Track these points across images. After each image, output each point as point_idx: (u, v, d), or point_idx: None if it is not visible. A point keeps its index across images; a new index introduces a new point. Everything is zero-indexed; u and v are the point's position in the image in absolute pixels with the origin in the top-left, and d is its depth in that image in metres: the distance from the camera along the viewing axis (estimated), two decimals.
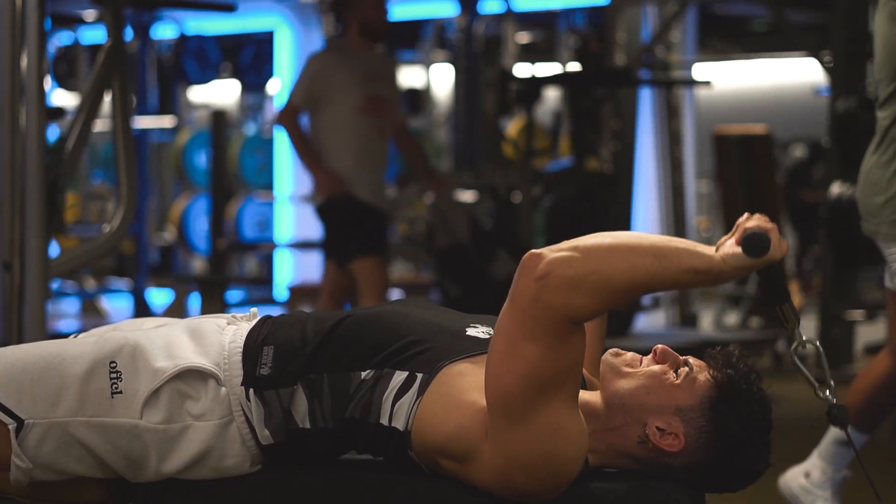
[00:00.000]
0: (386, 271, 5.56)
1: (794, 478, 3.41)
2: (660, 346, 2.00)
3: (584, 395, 1.99)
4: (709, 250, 1.87)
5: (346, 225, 5.43)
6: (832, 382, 1.97)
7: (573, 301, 1.81)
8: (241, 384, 2.01)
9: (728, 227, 8.12)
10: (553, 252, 1.83)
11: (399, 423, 1.96)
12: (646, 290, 1.85)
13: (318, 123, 5.55)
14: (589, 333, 1.94)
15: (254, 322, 2.11)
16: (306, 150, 5.54)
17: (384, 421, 1.98)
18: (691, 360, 1.99)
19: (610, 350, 2.02)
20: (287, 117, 5.60)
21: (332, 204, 5.47)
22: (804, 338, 1.97)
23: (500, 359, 1.86)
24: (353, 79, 5.41)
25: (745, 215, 1.91)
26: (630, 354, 2.01)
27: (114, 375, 2.00)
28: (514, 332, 1.85)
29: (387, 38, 6.11)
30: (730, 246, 1.87)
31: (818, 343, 1.98)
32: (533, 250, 1.86)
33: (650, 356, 2.00)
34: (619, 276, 1.82)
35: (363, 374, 2.00)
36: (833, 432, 3.35)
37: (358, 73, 5.42)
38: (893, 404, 3.44)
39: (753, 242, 1.85)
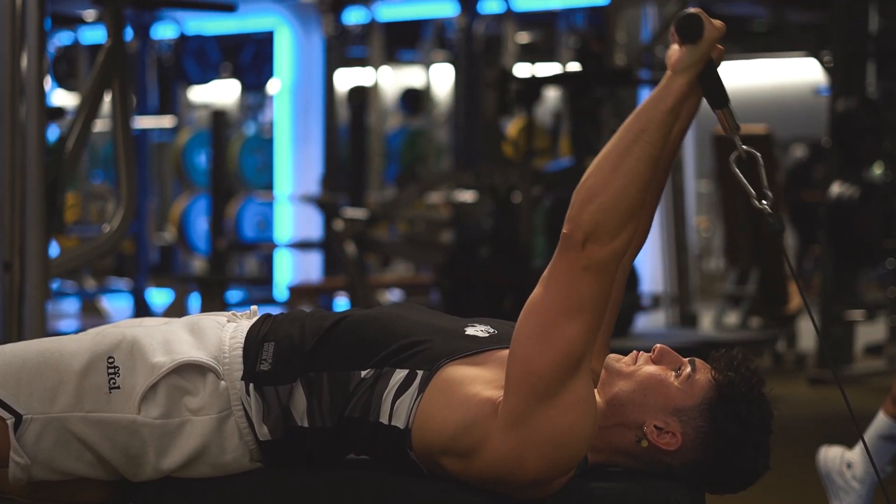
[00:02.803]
0: None
1: (834, 460, 3.40)
2: (659, 345, 2.01)
3: None
4: (667, 80, 1.89)
5: None
6: (770, 193, 1.97)
7: (616, 243, 1.85)
8: (242, 378, 2.01)
9: (728, 226, 8.12)
10: (576, 219, 1.85)
11: (399, 422, 1.96)
12: (655, 170, 1.88)
13: None
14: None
15: (254, 319, 2.12)
16: None
17: (384, 420, 1.97)
18: (696, 361, 1.99)
19: (611, 356, 2.02)
20: None
21: None
22: (744, 146, 1.96)
23: (534, 337, 1.87)
24: None
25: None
26: (629, 355, 2.02)
27: (111, 371, 2.00)
28: (555, 308, 1.86)
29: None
30: (671, 53, 1.90)
31: (759, 155, 1.97)
32: (563, 231, 1.87)
33: (648, 354, 2.01)
34: (632, 186, 1.84)
35: (363, 372, 2.00)
36: (878, 425, 3.34)
37: None
38: None
39: (684, 25, 1.86)
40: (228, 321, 2.11)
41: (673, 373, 1.97)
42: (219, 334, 2.06)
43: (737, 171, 1.96)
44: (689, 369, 1.98)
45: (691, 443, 1.95)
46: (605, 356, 2.05)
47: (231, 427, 2.00)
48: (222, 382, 2.01)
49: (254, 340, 2.04)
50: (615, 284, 2.01)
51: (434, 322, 2.07)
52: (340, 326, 2.05)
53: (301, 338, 2.04)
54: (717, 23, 1.90)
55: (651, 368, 1.98)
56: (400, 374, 1.98)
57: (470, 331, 2.05)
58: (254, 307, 2.17)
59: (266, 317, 2.12)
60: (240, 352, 2.03)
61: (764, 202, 1.96)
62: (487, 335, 2.03)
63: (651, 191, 2.07)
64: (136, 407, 1.99)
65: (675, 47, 1.90)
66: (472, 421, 1.91)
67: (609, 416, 1.98)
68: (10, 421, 1.99)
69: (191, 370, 2.01)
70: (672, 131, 1.90)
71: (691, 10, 1.89)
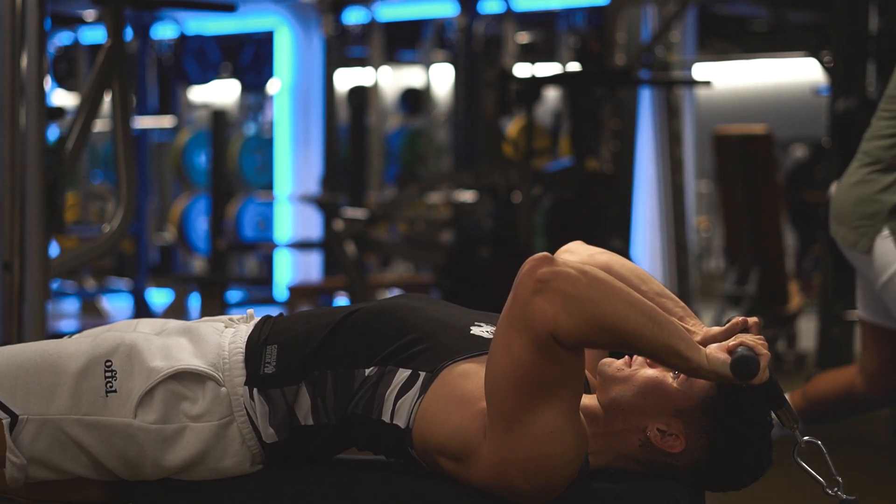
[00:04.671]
0: None
1: None
2: None
3: (584, 398, 1.98)
4: (697, 345, 1.88)
5: None
6: (839, 478, 1.98)
7: (561, 318, 1.80)
8: (245, 384, 2.01)
9: (728, 226, 8.12)
10: (562, 265, 1.83)
11: (400, 421, 1.97)
12: (628, 343, 1.85)
13: None
14: None
15: (252, 323, 2.12)
16: None
17: (385, 418, 1.98)
18: None
19: (603, 361, 2.02)
20: None
21: None
22: (805, 438, 1.98)
23: (497, 353, 1.86)
24: None
25: (743, 320, 1.97)
26: (622, 359, 2.02)
27: (109, 374, 2.00)
28: (509, 327, 1.84)
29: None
30: (718, 349, 1.89)
31: (819, 442, 1.99)
32: (545, 253, 1.85)
33: (643, 357, 2.00)
34: (611, 316, 1.81)
35: (367, 370, 2.01)
36: None
37: None
38: (835, 417, 3.44)
39: (742, 366, 1.88)
40: (226, 327, 2.11)
41: (671, 374, 1.97)
42: (217, 340, 2.06)
43: (801, 462, 1.97)
44: None
45: (695, 443, 1.95)
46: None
47: (233, 432, 2.00)
48: (223, 389, 2.01)
49: (256, 345, 2.05)
50: None
51: (441, 317, 2.07)
52: (346, 323, 2.05)
53: (305, 337, 2.04)
54: (766, 374, 1.90)
55: (648, 371, 1.98)
56: (403, 374, 1.98)
57: (475, 330, 2.05)
58: (250, 311, 2.18)
59: (265, 319, 2.12)
60: (239, 357, 2.03)
61: (837, 490, 1.97)
62: (490, 336, 2.02)
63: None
64: (132, 411, 1.99)
65: (721, 347, 1.90)
66: (465, 429, 1.91)
67: (609, 421, 1.97)
68: (6, 421, 1.99)
69: (189, 377, 2.01)
70: (656, 358, 1.88)
71: (759, 352, 1.90)
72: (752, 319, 1.98)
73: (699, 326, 2.03)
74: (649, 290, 2.07)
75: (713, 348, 1.90)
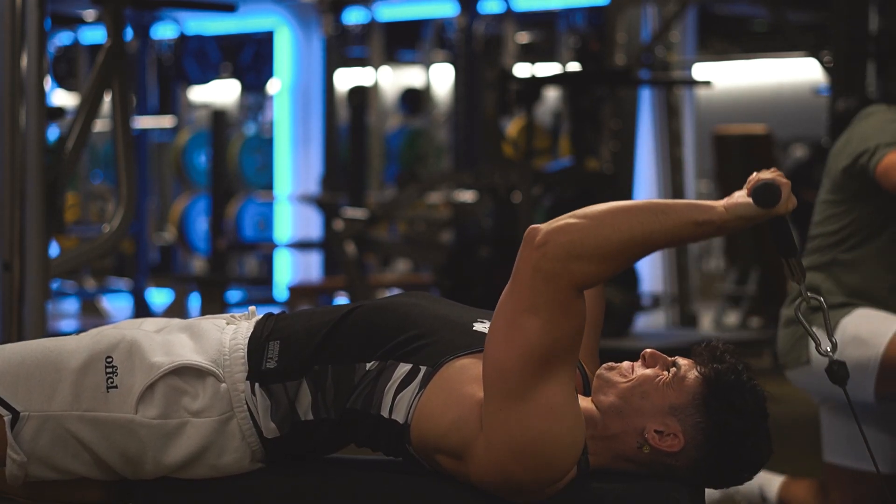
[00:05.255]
0: None
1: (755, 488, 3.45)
2: (647, 350, 2.01)
3: (581, 401, 1.98)
4: (710, 205, 1.87)
5: None
6: (834, 339, 1.98)
7: (573, 267, 1.82)
8: (246, 379, 2.01)
9: None
10: (551, 223, 1.85)
11: (399, 416, 1.97)
12: (646, 246, 1.85)
13: None
14: (587, 321, 1.94)
15: (253, 320, 2.12)
16: None
17: (384, 413, 1.98)
18: (679, 359, 2.00)
19: (604, 365, 2.02)
20: None
21: None
22: (809, 294, 1.97)
23: (500, 335, 1.87)
24: None
25: (759, 174, 1.92)
26: (625, 364, 2.02)
27: (110, 370, 2.01)
28: (515, 306, 1.85)
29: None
30: (739, 196, 1.88)
31: (822, 299, 1.98)
32: (531, 226, 1.86)
33: (639, 362, 2.00)
34: (617, 235, 1.82)
35: (367, 365, 2.01)
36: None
37: None
38: None
39: (765, 191, 1.86)
40: (228, 324, 2.11)
41: (663, 374, 1.97)
42: (218, 337, 2.06)
43: (802, 319, 1.97)
44: (676, 368, 1.98)
45: (693, 440, 1.95)
46: (593, 368, 2.05)
47: (233, 428, 2.01)
48: (223, 385, 2.01)
49: (258, 340, 2.05)
50: (591, 304, 2.01)
51: (443, 314, 2.07)
52: (349, 319, 2.05)
53: (307, 333, 2.04)
54: (793, 200, 1.88)
55: (643, 373, 1.98)
56: (403, 369, 1.99)
57: (478, 326, 2.05)
58: (252, 308, 2.18)
59: (268, 316, 2.12)
60: (240, 353, 2.03)
61: (829, 349, 1.97)
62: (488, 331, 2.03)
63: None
64: (133, 407, 1.99)
65: (741, 193, 1.88)
66: (464, 421, 1.91)
67: (607, 425, 1.97)
68: (8, 418, 1.99)
69: (190, 373, 2.01)
70: (681, 240, 1.88)
71: (778, 179, 1.88)
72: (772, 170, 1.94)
73: (717, 202, 1.96)
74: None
75: (732, 197, 1.88)
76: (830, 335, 1.98)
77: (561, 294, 1.83)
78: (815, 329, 1.99)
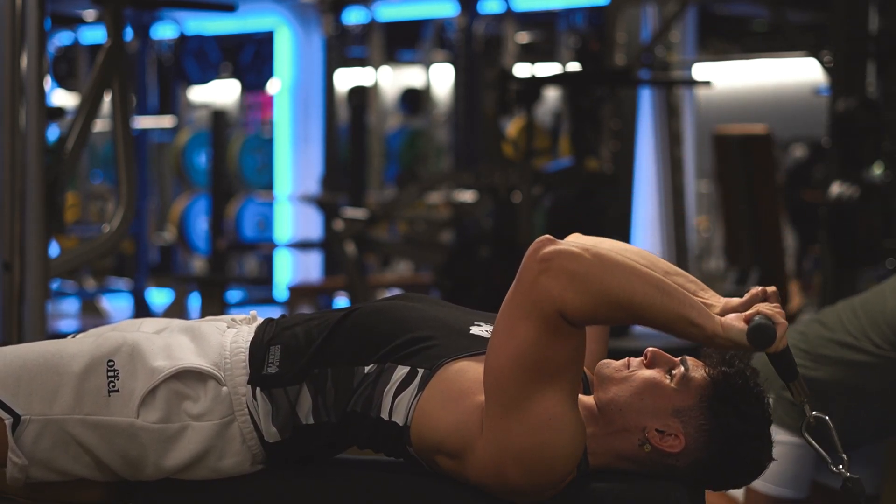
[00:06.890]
0: None
1: None
2: (650, 349, 2.00)
3: (582, 399, 1.98)
4: (711, 311, 1.88)
5: None
6: (844, 456, 1.97)
7: (567, 295, 1.81)
8: (248, 383, 2.01)
9: (728, 226, 8.12)
10: (564, 244, 1.84)
11: (399, 418, 1.97)
12: (639, 316, 1.84)
13: None
14: (592, 331, 1.94)
15: (254, 324, 2.12)
16: None
17: (384, 415, 1.98)
18: (688, 359, 1.99)
19: (601, 362, 2.01)
20: None
21: None
22: (814, 413, 1.97)
23: (499, 340, 1.87)
24: None
25: (762, 290, 1.93)
26: (624, 360, 2.01)
27: (111, 374, 2.00)
28: (514, 311, 1.85)
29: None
30: (736, 318, 1.88)
31: (828, 418, 1.98)
32: (548, 235, 1.86)
33: (641, 359, 2.00)
34: (618, 290, 1.81)
35: (366, 368, 2.01)
36: None
37: None
38: None
39: (760, 334, 1.87)
40: (229, 327, 2.11)
41: (667, 374, 1.97)
42: (219, 340, 2.06)
43: (809, 438, 1.96)
44: (682, 369, 1.97)
45: (695, 442, 1.95)
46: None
47: (233, 432, 2.01)
48: (224, 388, 2.01)
49: (260, 345, 2.05)
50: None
51: (441, 316, 2.07)
52: (348, 321, 2.05)
53: (307, 337, 2.05)
54: (784, 342, 1.90)
55: (645, 372, 1.98)
56: (402, 371, 1.99)
57: (475, 329, 2.05)
58: (253, 312, 2.18)
59: (269, 321, 2.12)
60: (241, 357, 2.03)
61: (841, 467, 1.97)
62: (490, 336, 2.02)
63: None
64: (134, 411, 1.99)
65: (739, 316, 1.89)
66: (463, 423, 1.91)
67: (608, 422, 1.97)
68: (9, 421, 1.99)
69: (191, 376, 2.01)
70: (668, 328, 1.86)
71: (776, 320, 1.89)
72: (771, 289, 1.95)
73: (716, 298, 2.01)
74: (659, 269, 2.05)
75: (730, 317, 1.88)
76: (839, 451, 1.98)
77: (551, 316, 1.82)
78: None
